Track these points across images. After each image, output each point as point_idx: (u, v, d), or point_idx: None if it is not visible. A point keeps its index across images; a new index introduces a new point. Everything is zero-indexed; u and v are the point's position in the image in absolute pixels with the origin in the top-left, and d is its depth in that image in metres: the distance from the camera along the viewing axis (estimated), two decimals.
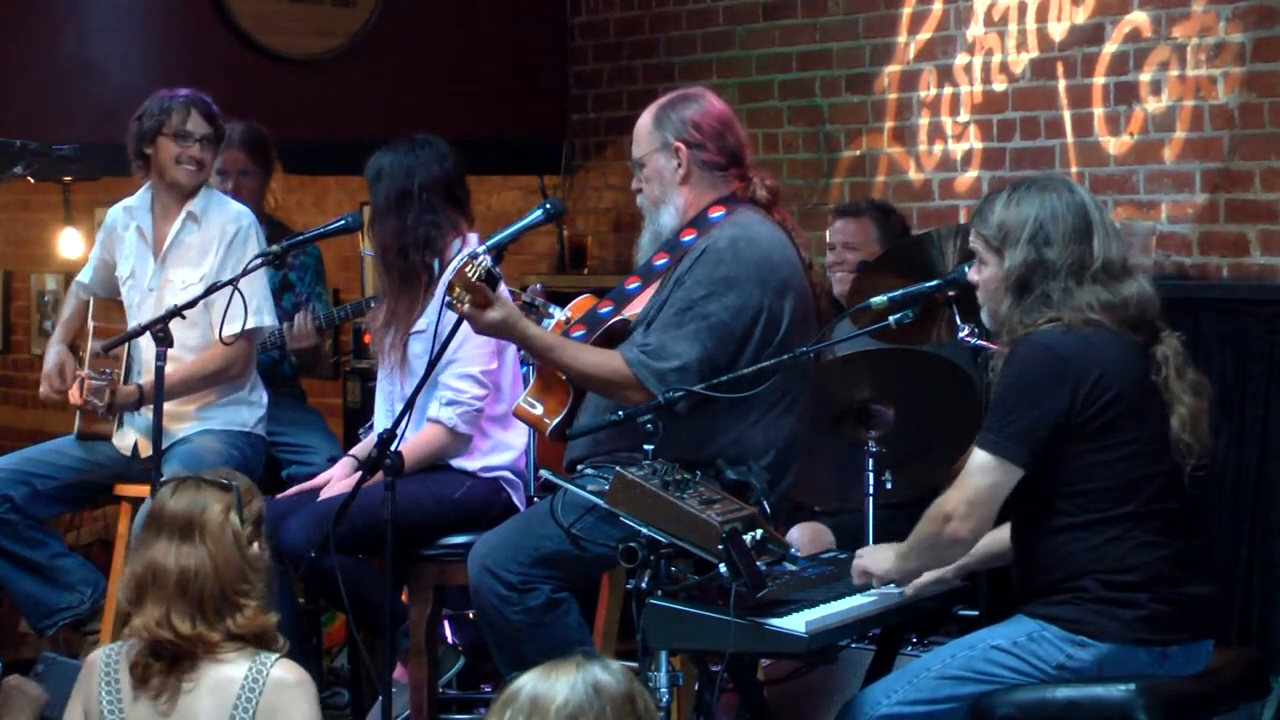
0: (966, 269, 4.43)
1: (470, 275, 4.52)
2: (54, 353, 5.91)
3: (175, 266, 5.76)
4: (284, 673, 3.78)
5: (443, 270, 5.35)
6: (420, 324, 5.33)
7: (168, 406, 5.53)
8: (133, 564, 3.87)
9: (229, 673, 3.77)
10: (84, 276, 6.06)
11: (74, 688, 3.92)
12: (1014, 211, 4.23)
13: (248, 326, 5.63)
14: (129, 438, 5.79)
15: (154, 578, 3.79)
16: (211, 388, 5.74)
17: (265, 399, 5.88)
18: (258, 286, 5.71)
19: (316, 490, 5.37)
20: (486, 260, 4.54)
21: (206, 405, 5.74)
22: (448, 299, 4.58)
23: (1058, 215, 4.20)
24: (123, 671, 3.82)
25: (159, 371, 5.25)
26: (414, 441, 5.21)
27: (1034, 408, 4.13)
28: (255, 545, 3.89)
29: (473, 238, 5.44)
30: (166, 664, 3.77)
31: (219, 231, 5.74)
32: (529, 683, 2.79)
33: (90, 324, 5.98)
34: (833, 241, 6.18)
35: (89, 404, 5.59)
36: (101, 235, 6.00)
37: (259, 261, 5.42)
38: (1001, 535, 4.35)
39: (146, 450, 5.47)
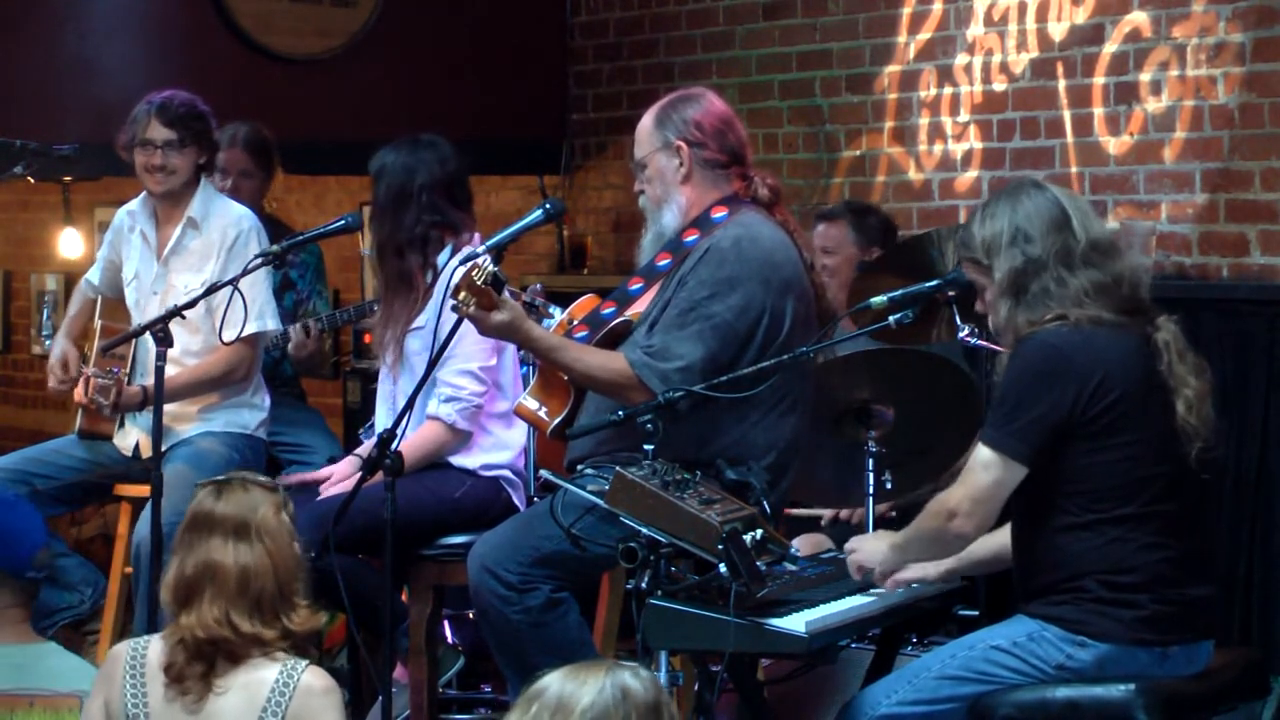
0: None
1: (476, 279, 4.52)
2: (59, 346, 5.92)
3: (178, 271, 5.76)
4: (314, 679, 3.79)
5: (438, 272, 5.35)
6: (419, 320, 5.34)
7: (172, 407, 5.54)
8: (180, 565, 3.85)
9: (259, 675, 3.77)
10: (93, 276, 6.07)
11: (95, 680, 3.92)
12: (990, 225, 4.26)
13: (251, 330, 5.63)
14: (130, 437, 5.79)
15: (212, 576, 3.79)
16: (216, 390, 5.74)
17: (268, 402, 5.88)
18: (260, 290, 5.70)
19: (316, 490, 5.37)
20: (490, 263, 4.54)
21: (209, 407, 5.74)
22: (453, 303, 4.58)
23: (1030, 213, 4.23)
24: (150, 668, 3.82)
25: (159, 372, 5.25)
26: (414, 439, 5.20)
27: (1037, 405, 4.13)
28: (296, 546, 3.91)
29: (475, 237, 5.45)
30: (206, 666, 3.77)
31: (219, 236, 5.73)
32: (556, 682, 2.79)
33: (97, 323, 5.99)
34: (815, 246, 6.17)
35: (94, 403, 5.59)
36: (109, 236, 6.01)
37: (259, 261, 5.42)
38: (991, 541, 4.36)
39: (148, 450, 5.47)
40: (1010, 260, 4.21)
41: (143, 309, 5.76)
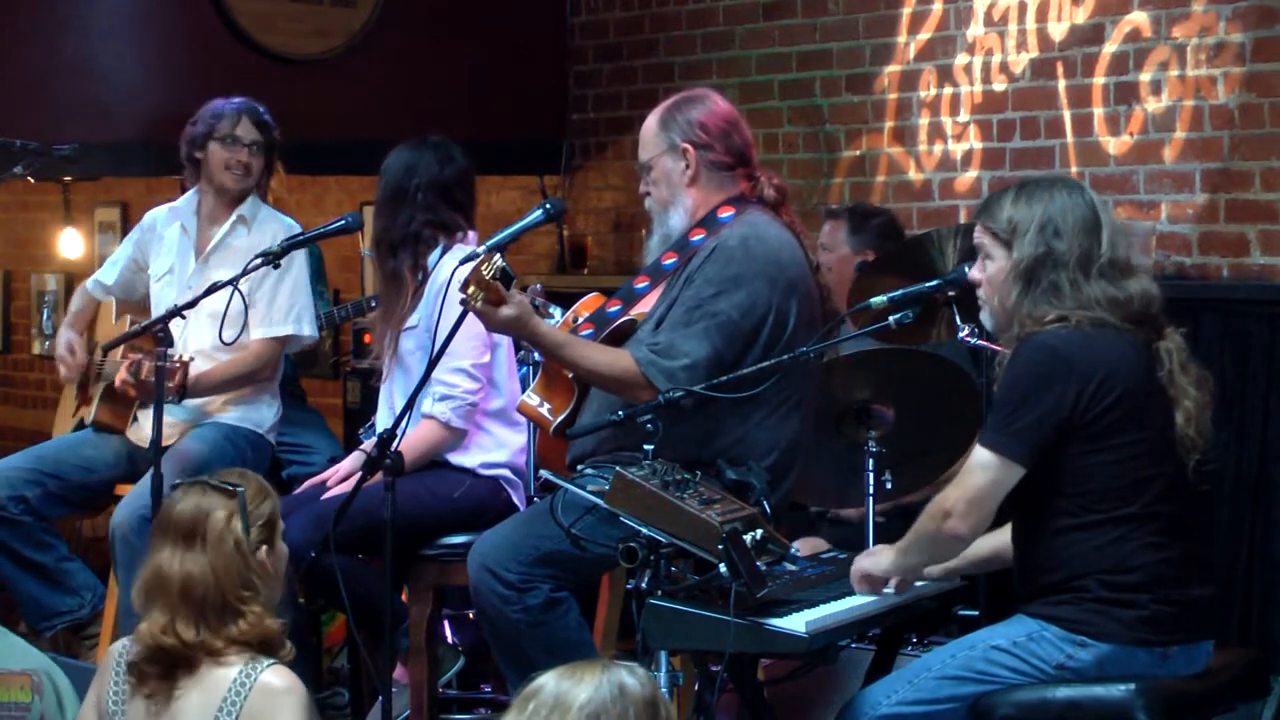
0: (966, 269, 4.44)
1: (486, 273, 4.52)
2: (64, 336, 5.97)
3: (218, 268, 5.78)
4: (273, 678, 3.77)
5: (428, 272, 5.36)
6: (412, 319, 5.35)
7: (193, 401, 5.64)
8: (143, 569, 3.87)
9: (220, 674, 3.77)
10: (105, 277, 6.08)
11: (94, 676, 3.94)
12: (1023, 206, 4.26)
13: (285, 332, 5.77)
14: (145, 429, 5.77)
15: (160, 585, 3.80)
16: (246, 386, 5.80)
17: (280, 407, 5.93)
18: (300, 295, 5.81)
19: (318, 490, 5.37)
20: (500, 258, 4.54)
21: (229, 400, 5.79)
22: (461, 297, 4.58)
23: (1066, 209, 4.24)
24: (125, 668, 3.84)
25: (159, 371, 5.25)
26: (410, 438, 5.19)
27: (1037, 407, 4.13)
28: (264, 550, 3.87)
29: (471, 236, 5.45)
30: (163, 668, 3.78)
31: (270, 239, 5.75)
32: (552, 680, 2.80)
33: (127, 320, 6.01)
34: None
35: (138, 386, 5.54)
36: (136, 235, 6.04)
37: (259, 262, 5.43)
38: (990, 540, 4.36)
39: (167, 440, 5.47)
40: (1034, 247, 4.22)
41: (176, 303, 5.77)
